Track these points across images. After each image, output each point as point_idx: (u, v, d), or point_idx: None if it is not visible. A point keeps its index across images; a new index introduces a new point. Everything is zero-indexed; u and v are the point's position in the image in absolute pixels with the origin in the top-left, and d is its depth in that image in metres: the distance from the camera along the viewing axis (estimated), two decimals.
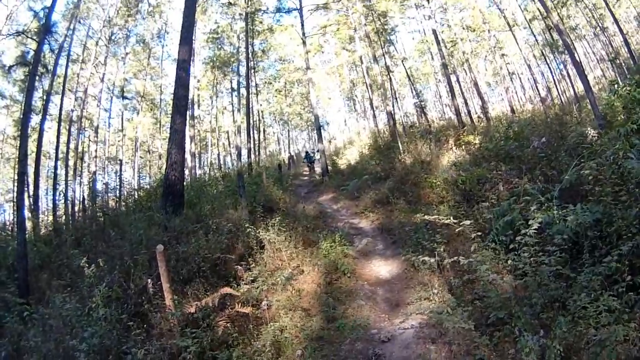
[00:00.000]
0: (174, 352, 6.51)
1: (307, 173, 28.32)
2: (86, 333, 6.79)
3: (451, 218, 7.62)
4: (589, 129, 10.59)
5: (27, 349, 6.79)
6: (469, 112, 29.17)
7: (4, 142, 31.80)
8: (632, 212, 6.30)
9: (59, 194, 26.01)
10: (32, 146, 20.27)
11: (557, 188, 8.20)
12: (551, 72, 38.96)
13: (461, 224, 7.31)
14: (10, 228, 17.11)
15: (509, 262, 6.90)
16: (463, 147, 16.21)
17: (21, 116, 22.39)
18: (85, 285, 8.39)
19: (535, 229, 6.55)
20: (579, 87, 26.77)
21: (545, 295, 5.97)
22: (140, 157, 39.66)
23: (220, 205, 13.52)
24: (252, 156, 31.96)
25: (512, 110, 29.13)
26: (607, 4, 30.32)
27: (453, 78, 31.73)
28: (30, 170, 21.43)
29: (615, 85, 13.85)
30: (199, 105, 37.52)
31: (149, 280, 8.01)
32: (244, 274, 8.95)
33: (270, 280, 8.85)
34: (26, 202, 18.70)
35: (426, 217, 8.36)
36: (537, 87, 37.63)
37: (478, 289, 7.41)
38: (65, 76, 26.78)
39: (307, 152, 34.64)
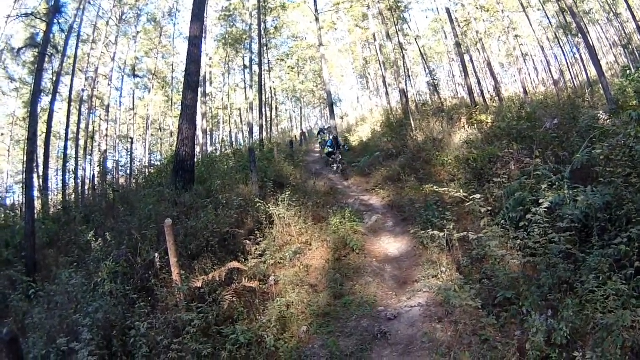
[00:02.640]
0: (179, 325, 6.49)
1: (319, 150, 26.57)
2: (91, 308, 6.75)
3: (461, 191, 7.60)
4: (601, 112, 10.46)
5: (31, 327, 6.80)
6: (481, 91, 29.00)
7: (13, 125, 31.87)
8: None
9: (69, 173, 26.12)
10: (42, 127, 20.37)
11: (568, 169, 8.12)
12: (564, 55, 38.64)
13: (470, 197, 7.30)
14: (19, 208, 17.19)
15: (518, 241, 6.82)
16: (475, 125, 16.09)
17: (31, 97, 22.44)
18: (91, 261, 8.45)
19: (545, 208, 6.49)
20: (592, 71, 26.55)
21: (554, 276, 5.89)
22: (152, 135, 39.70)
23: (231, 180, 13.50)
24: (264, 133, 31.83)
25: (525, 92, 28.85)
26: None
27: (466, 58, 31.35)
28: (40, 151, 21.53)
29: (628, 71, 13.70)
30: (211, 83, 37.37)
31: (157, 255, 7.98)
32: (253, 249, 8.90)
33: (278, 255, 8.87)
34: (35, 182, 18.76)
35: (435, 188, 8.53)
36: (550, 69, 37.37)
37: (487, 269, 7.34)
38: (76, 57, 26.73)
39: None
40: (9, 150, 32.20)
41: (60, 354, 5.94)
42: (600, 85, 15.82)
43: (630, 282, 5.08)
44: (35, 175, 16.20)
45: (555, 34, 36.83)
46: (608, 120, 9.77)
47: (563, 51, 38.44)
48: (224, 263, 8.34)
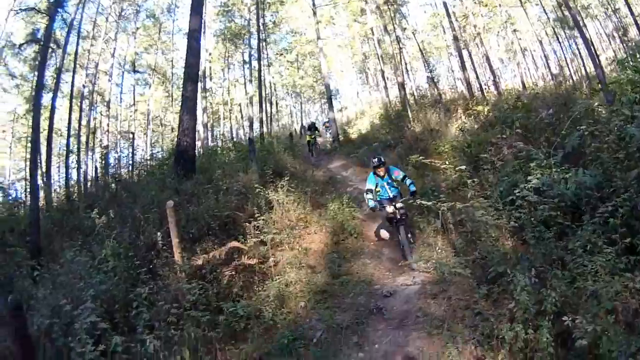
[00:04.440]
0: (179, 296, 6.72)
1: (320, 142, 26.60)
2: (94, 280, 6.97)
3: (446, 163, 8.15)
4: (596, 103, 10.62)
5: (36, 307, 6.84)
6: (480, 85, 28.99)
7: (14, 122, 31.84)
8: (632, 174, 6.38)
9: (72, 168, 26.25)
10: (43, 125, 20.42)
11: (560, 153, 8.29)
12: (563, 50, 38.64)
13: (457, 168, 7.85)
14: (22, 201, 17.29)
15: (511, 221, 7.06)
16: (472, 116, 16.23)
17: (33, 93, 22.50)
18: (95, 241, 8.65)
19: (534, 184, 6.73)
20: (591, 67, 26.63)
21: (545, 252, 6.13)
22: (153, 130, 39.65)
23: (231, 169, 13.61)
24: (264, 128, 31.84)
25: (524, 86, 28.91)
26: None
27: (465, 52, 31.37)
28: (43, 148, 21.62)
29: (625, 63, 13.84)
30: (210, 78, 37.30)
31: (159, 234, 8.16)
32: (252, 231, 9.05)
33: (277, 237, 9.06)
34: (38, 175, 18.86)
35: (421, 158, 10.06)
36: (548, 64, 37.33)
37: (480, 249, 7.54)
38: (76, 53, 26.70)
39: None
40: (10, 147, 32.24)
41: (63, 326, 6.05)
42: (598, 80, 15.92)
43: (620, 258, 5.26)
44: (38, 171, 16.31)
45: (554, 29, 36.80)
46: (603, 110, 9.92)
47: (561, 47, 38.47)
48: (224, 245, 8.53)
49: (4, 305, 5.66)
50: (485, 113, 15.60)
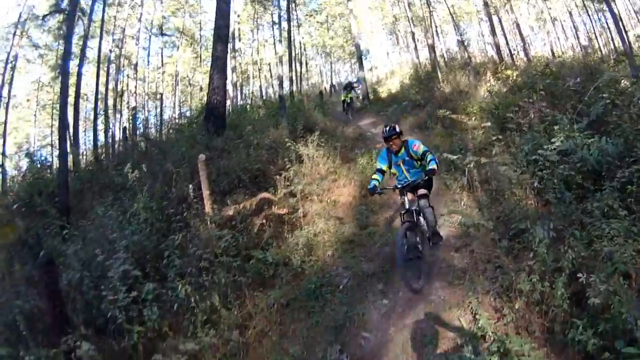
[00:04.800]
0: (210, 244, 6.90)
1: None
2: (126, 232, 7.15)
3: (474, 119, 8.09)
4: (622, 78, 10.51)
5: (65, 264, 6.92)
6: (510, 51, 28.70)
7: (39, 90, 32.10)
8: None
9: (100, 130, 26.54)
10: (70, 91, 20.62)
11: (585, 121, 8.31)
12: (592, 23, 37.95)
13: (482, 125, 7.79)
14: (49, 163, 17.47)
15: (534, 179, 7.15)
16: (501, 80, 16.12)
17: (59, 61, 22.77)
18: (127, 197, 8.85)
19: (557, 146, 6.82)
20: (619, 42, 26.16)
21: (565, 213, 6.27)
22: (181, 91, 39.83)
23: (262, 125, 13.79)
24: (294, 87, 31.75)
25: (553, 55, 28.53)
26: None
27: (495, 19, 31.00)
28: (70, 114, 21.89)
29: None
30: (239, 39, 37.22)
31: (190, 187, 8.30)
32: (283, 183, 9.23)
33: (307, 189, 9.28)
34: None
35: (448, 113, 10.29)
36: (577, 35, 36.77)
37: (504, 207, 7.66)
38: (103, 20, 26.70)
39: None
40: (35, 115, 32.63)
41: (94, 279, 6.24)
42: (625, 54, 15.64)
43: (635, 221, 5.36)
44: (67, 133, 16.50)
45: (583, 2, 36.17)
46: (628, 83, 9.85)
47: (591, 19, 37.82)
48: (254, 196, 8.71)
49: (34, 264, 5.86)
50: (514, 78, 15.45)
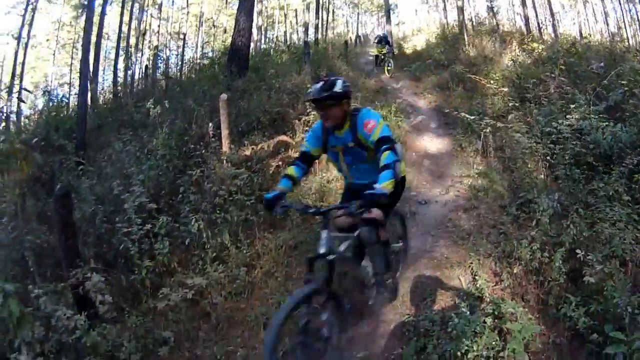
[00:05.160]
0: (226, 181, 7.05)
1: (373, 52, 23.56)
2: (143, 167, 7.31)
3: (495, 85, 8.10)
4: None
5: (80, 197, 7.02)
6: (538, 24, 28.31)
7: (59, 30, 31.94)
8: None
9: (120, 70, 26.58)
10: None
11: (604, 105, 8.36)
12: (622, 12, 37.30)
13: (499, 89, 7.79)
14: (67, 101, 17.48)
15: (546, 150, 7.23)
16: (526, 51, 16.01)
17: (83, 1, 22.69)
18: (146, 133, 9.01)
19: (571, 123, 6.89)
20: None
21: (573, 190, 6.41)
22: (205, 32, 39.61)
23: (284, 70, 13.80)
24: (319, 34, 31.52)
25: (581, 35, 28.17)
26: None
27: None
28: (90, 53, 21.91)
29: None
30: None
31: (210, 124, 8.41)
32: (302, 128, 9.34)
33: None
34: None
35: (469, 74, 8.82)
36: (607, 21, 36.14)
37: (515, 176, 7.80)
38: None
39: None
40: (54, 54, 32.57)
41: (107, 214, 6.42)
42: None
43: (638, 212, 5.44)
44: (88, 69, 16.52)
45: None
46: None
47: (622, 8, 37.20)
48: (272, 139, 8.82)
49: (47, 199, 5.91)
50: (539, 51, 15.35)
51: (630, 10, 36.79)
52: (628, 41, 31.57)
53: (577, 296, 4.45)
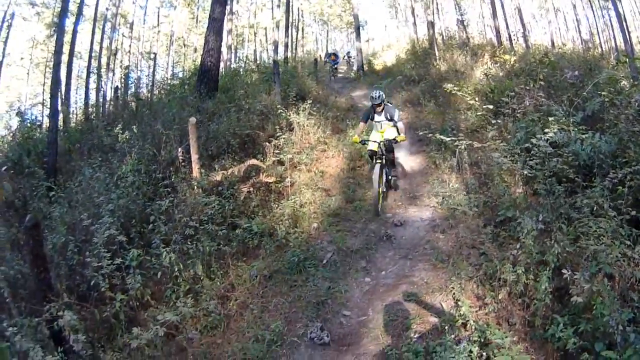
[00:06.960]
0: (196, 211, 6.90)
1: (343, 70, 26.89)
2: (113, 195, 7.12)
3: (468, 97, 9.00)
4: (621, 74, 10.49)
5: (50, 227, 6.98)
6: (509, 35, 28.63)
7: (33, 48, 31.82)
8: None
9: (92, 89, 26.37)
10: (65, 48, 20.39)
11: (580, 115, 8.29)
12: (595, 19, 37.88)
13: (484, 107, 7.87)
14: (40, 122, 17.30)
15: (525, 168, 7.11)
16: (498, 64, 16.07)
17: (56, 19, 22.51)
18: (115, 158, 8.85)
19: (550, 137, 6.79)
20: (621, 41, 26.19)
21: (554, 205, 6.18)
22: (175, 51, 39.59)
23: (254, 90, 13.64)
24: (289, 52, 31.60)
25: (553, 45, 28.58)
26: None
27: (498, 1, 30.88)
28: (63, 71, 21.68)
29: None
30: (237, 1, 36.96)
31: (179, 149, 8.27)
32: (272, 151, 9.24)
33: (296, 158, 9.23)
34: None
35: (450, 86, 10.02)
36: (579, 28, 36.73)
37: (492, 192, 7.64)
38: None
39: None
40: (28, 73, 32.32)
41: (78, 244, 6.22)
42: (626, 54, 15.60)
43: (624, 228, 5.22)
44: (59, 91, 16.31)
45: None
46: (626, 83, 9.83)
47: (594, 15, 37.75)
48: (243, 163, 8.68)
49: (19, 226, 5.77)
50: (512, 63, 15.40)
51: (603, 17, 37.43)
52: (601, 47, 32.10)
53: (565, 315, 4.40)
